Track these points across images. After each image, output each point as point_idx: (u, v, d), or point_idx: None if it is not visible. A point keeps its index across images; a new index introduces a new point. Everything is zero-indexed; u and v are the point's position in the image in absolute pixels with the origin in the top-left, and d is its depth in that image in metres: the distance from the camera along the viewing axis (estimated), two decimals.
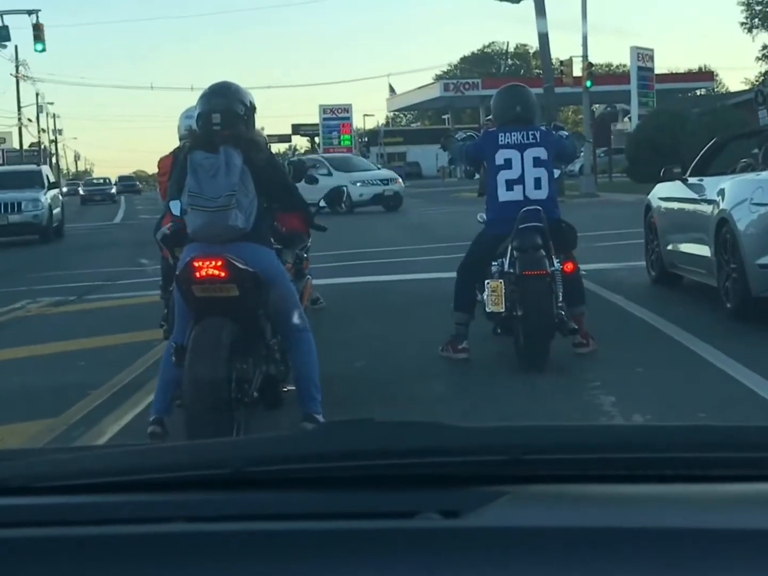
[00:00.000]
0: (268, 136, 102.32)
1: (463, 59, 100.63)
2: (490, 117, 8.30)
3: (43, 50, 31.12)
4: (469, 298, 7.11)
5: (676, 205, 10.35)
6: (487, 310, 6.75)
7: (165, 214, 6.43)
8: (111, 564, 1.28)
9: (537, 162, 6.92)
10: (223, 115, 5.10)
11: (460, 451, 1.53)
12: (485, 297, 6.75)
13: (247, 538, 1.31)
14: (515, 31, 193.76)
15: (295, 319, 5.18)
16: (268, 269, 5.01)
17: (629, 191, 32.19)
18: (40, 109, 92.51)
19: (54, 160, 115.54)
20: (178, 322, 5.10)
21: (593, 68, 31.52)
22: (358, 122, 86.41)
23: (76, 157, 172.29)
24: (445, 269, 10.11)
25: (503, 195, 6.92)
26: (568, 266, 6.87)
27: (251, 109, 5.31)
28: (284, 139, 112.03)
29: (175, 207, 5.34)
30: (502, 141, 6.96)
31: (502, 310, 6.63)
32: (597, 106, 72.37)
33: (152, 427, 4.99)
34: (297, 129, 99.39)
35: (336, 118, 77.55)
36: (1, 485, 1.55)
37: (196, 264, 4.80)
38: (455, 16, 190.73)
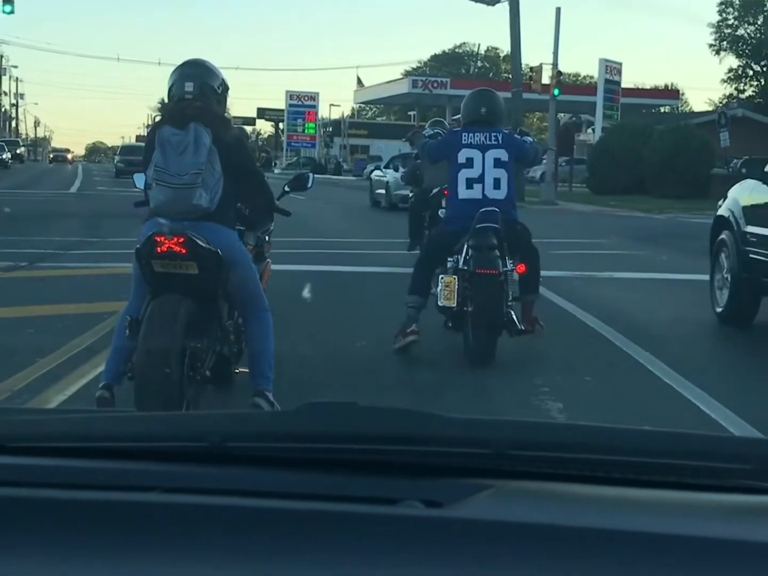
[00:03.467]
0: (233, 117, 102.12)
1: (434, 57, 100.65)
2: (456, 117, 8.60)
3: (12, 12, 30.67)
4: (424, 285, 7.32)
5: None
6: (439, 303, 6.95)
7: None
8: (85, 529, 1.28)
9: (497, 163, 7.13)
10: (196, 85, 5.05)
11: (444, 441, 1.51)
12: (438, 291, 6.98)
13: (223, 512, 1.30)
14: (487, 34, 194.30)
15: (255, 300, 5.22)
16: (229, 249, 4.99)
17: (588, 202, 32.59)
18: (3, 71, 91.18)
19: (14, 124, 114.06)
20: (134, 296, 5.11)
21: (562, 77, 31.69)
22: (324, 111, 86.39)
23: (36, 123, 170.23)
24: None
25: (463, 193, 7.14)
26: (521, 268, 7.15)
27: (225, 87, 5.27)
28: (248, 122, 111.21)
29: (139, 180, 5.42)
30: (465, 140, 7.18)
31: (454, 304, 6.85)
32: (562, 115, 72.93)
33: (100, 391, 4.91)
34: (262, 113, 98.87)
35: (302, 105, 77.28)
36: None
37: (158, 239, 4.79)
38: (428, 14, 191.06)
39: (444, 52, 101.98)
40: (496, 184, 7.10)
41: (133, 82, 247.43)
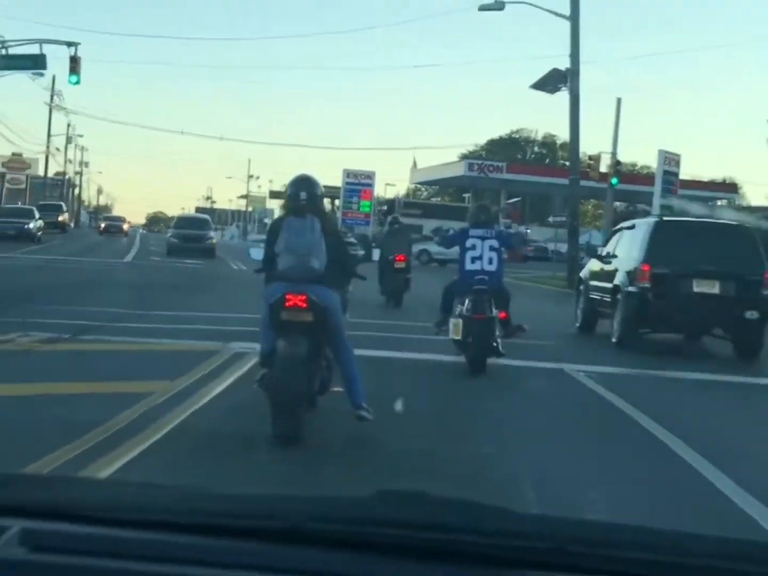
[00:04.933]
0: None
1: (490, 142, 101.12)
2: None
3: (77, 83, 31.23)
4: (446, 308, 11.38)
5: None
6: (451, 336, 10.74)
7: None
8: None
9: (491, 248, 11.06)
10: (306, 193, 7.23)
11: (508, 534, 1.59)
12: (450, 328, 10.72)
13: None
14: (545, 120, 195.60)
15: (343, 339, 7.24)
16: (332, 305, 7.06)
17: None
18: (69, 140, 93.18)
19: (77, 191, 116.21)
20: (264, 334, 7.19)
21: (620, 166, 31.43)
22: (379, 190, 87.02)
23: (99, 191, 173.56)
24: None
25: (468, 265, 11.10)
26: (502, 315, 10.97)
27: (323, 193, 7.62)
28: None
29: (257, 254, 7.91)
30: (471, 234, 11.22)
31: (460, 337, 10.62)
32: (618, 203, 72.77)
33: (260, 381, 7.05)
34: None
35: (358, 183, 77.87)
36: (52, 510, 1.61)
37: (288, 296, 6.86)
38: (487, 98, 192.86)
39: (501, 137, 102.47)
40: (490, 261, 11.03)
41: (195, 155, 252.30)
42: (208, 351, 10.77)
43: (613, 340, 14.62)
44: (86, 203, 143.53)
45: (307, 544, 1.56)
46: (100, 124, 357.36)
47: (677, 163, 52.30)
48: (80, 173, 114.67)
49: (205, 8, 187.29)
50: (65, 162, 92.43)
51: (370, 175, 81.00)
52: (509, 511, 1.69)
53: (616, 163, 31.05)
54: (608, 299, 15.20)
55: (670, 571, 1.55)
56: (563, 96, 32.57)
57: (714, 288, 14.03)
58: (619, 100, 31.71)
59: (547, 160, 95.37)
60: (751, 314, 13.86)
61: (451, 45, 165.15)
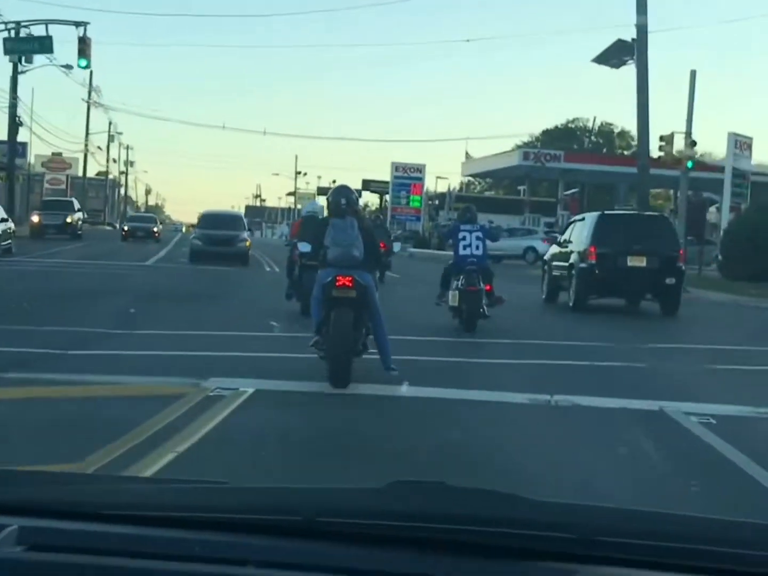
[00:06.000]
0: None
1: (545, 132, 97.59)
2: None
3: (87, 66, 28.62)
4: (445, 284, 14.86)
5: None
6: (450, 304, 14.38)
7: (294, 244, 15.29)
8: None
9: (477, 238, 14.74)
10: (346, 200, 9.55)
11: (531, 524, 1.56)
12: (449, 298, 14.39)
13: None
14: (601, 110, 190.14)
15: (379, 311, 9.40)
16: (370, 285, 9.35)
17: (722, 289, 28.42)
18: (111, 138, 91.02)
19: (123, 191, 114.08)
20: (316, 309, 9.34)
21: (696, 148, 27.92)
22: (430, 184, 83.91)
23: (148, 191, 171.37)
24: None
25: (461, 251, 14.69)
26: (488, 287, 14.52)
27: (357, 199, 10.19)
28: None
29: (304, 247, 11.14)
30: (462, 228, 14.97)
31: (456, 304, 14.23)
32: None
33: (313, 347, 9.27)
34: (368, 185, 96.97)
35: (408, 177, 74.83)
36: (72, 509, 1.62)
37: (338, 278, 9.03)
38: (540, 87, 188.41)
39: (557, 126, 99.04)
40: (477, 247, 14.65)
41: (239, 151, 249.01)
42: (171, 395, 7.70)
43: (570, 304, 19.48)
44: (135, 204, 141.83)
45: (320, 538, 1.54)
46: (139, 121, 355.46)
47: (749, 147, 48.51)
48: (125, 173, 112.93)
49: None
50: (107, 161, 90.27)
51: (420, 168, 77.86)
52: (531, 500, 1.64)
53: (691, 144, 27.47)
54: (566, 274, 20.11)
55: (699, 559, 1.52)
56: (625, 76, 29.16)
57: (643, 262, 18.94)
58: (693, 73, 28.17)
59: (604, 150, 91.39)
60: (670, 280, 18.84)
61: (506, 16, 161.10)
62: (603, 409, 8.19)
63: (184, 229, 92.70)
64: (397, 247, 17.02)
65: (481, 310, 14.14)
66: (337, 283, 8.94)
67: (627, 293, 19.73)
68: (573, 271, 19.41)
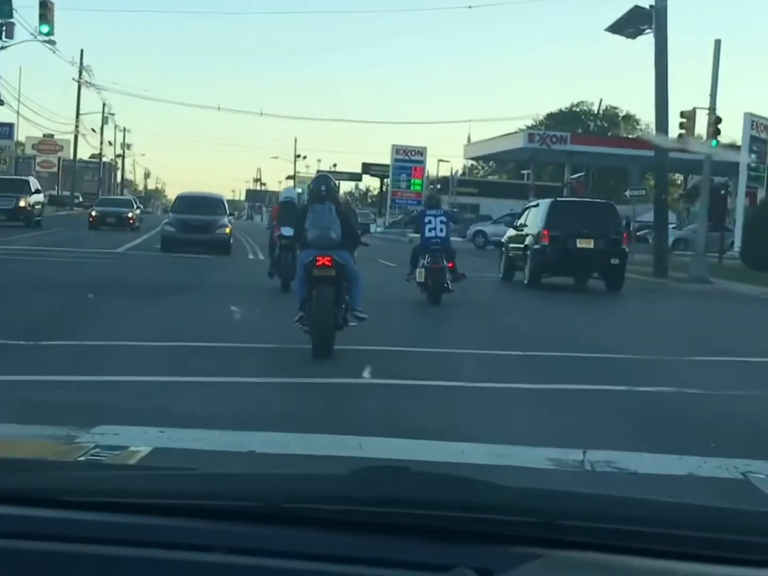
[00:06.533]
0: (339, 172, 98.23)
1: (549, 116, 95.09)
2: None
3: (49, 33, 26.22)
4: (414, 262, 16.86)
5: None
6: (418, 280, 16.36)
7: (273, 226, 17.45)
8: None
9: (441, 222, 16.82)
10: (326, 187, 10.31)
11: (495, 509, 1.58)
12: (417, 275, 16.38)
13: (281, 575, 1.43)
14: (605, 93, 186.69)
15: (357, 273, 10.34)
16: (348, 262, 10.13)
17: (747, 280, 25.93)
18: (105, 120, 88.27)
19: (120, 174, 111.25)
20: (299, 287, 10.17)
21: (720, 125, 25.34)
22: (431, 168, 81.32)
23: (146, 175, 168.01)
24: None
25: (427, 234, 16.77)
26: (450, 264, 16.54)
27: (336, 186, 11.12)
28: (354, 177, 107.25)
29: (287, 231, 13.57)
30: (428, 213, 17.13)
31: (423, 280, 16.21)
32: (692, 176, 66.19)
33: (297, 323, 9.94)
34: (368, 168, 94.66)
35: (409, 160, 72.30)
36: (33, 496, 1.62)
37: (318, 259, 9.77)
38: (544, 70, 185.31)
39: (561, 110, 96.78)
40: (441, 230, 16.73)
41: (236, 133, 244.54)
42: (27, 460, 5.27)
43: (525, 282, 21.45)
44: (134, 187, 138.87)
45: (285, 523, 1.55)
46: (133, 102, 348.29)
47: (766, 128, 46.00)
48: (122, 156, 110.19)
49: None
50: (101, 143, 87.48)
51: (421, 151, 75.27)
52: (495, 485, 1.67)
53: (715, 121, 24.93)
54: (521, 255, 21.98)
55: (664, 543, 1.53)
56: (635, 52, 26.64)
57: (590, 244, 20.84)
58: (717, 43, 25.64)
59: (609, 134, 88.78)
60: (615, 261, 20.80)
61: None
62: (663, 477, 5.65)
63: None
64: (373, 228, 17.96)
65: (446, 285, 16.17)
66: (317, 263, 9.80)
67: (576, 272, 21.80)
68: (528, 252, 21.47)
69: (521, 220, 23.32)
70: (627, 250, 21.64)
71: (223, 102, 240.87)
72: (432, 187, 71.53)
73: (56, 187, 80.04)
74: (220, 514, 1.54)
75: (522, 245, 21.92)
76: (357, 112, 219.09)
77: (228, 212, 30.22)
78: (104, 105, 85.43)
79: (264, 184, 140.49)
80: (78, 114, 71.55)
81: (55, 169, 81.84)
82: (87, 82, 70.97)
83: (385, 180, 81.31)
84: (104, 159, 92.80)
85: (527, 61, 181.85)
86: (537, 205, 22.87)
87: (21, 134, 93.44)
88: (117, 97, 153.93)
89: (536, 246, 20.99)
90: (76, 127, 71.79)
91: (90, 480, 1.74)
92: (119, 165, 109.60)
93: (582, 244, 20.74)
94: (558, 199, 24.24)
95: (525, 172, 73.88)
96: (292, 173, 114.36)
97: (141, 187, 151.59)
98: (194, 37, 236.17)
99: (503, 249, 24.05)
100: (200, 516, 1.54)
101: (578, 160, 56.38)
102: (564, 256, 20.62)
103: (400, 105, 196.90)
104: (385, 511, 1.52)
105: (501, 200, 66.17)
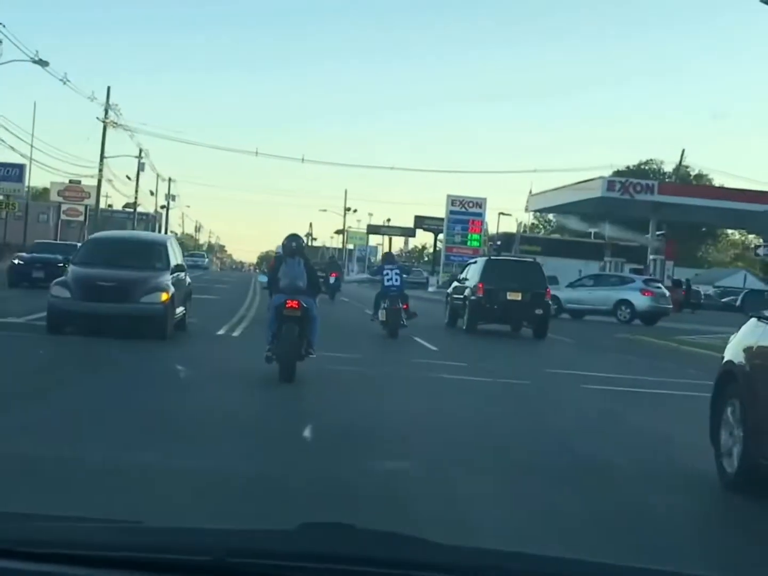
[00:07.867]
0: (390, 227, 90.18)
1: (617, 173, 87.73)
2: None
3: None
4: (377, 305, 22.58)
5: None
6: (380, 319, 22.23)
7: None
8: None
9: (396, 274, 22.55)
10: (296, 244, 13.48)
11: (432, 567, 1.70)
12: (380, 316, 22.23)
13: None
14: (675, 152, 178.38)
15: (316, 319, 13.18)
16: (312, 306, 13.04)
17: None
18: (141, 167, 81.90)
19: (163, 226, 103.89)
20: (270, 325, 12.96)
21: None
22: (490, 221, 73.80)
23: (197, 228, 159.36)
24: None
25: (386, 283, 22.42)
26: (406, 306, 22.18)
27: (304, 243, 14.31)
28: (407, 233, 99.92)
29: (262, 278, 15.19)
30: (386, 267, 23.21)
31: (385, 320, 22.01)
32: None
33: (268, 353, 12.92)
34: (420, 222, 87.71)
35: (465, 212, 65.01)
36: None
37: (288, 302, 12.75)
38: (612, 128, 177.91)
39: (628, 167, 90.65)
40: (397, 280, 22.34)
41: (275, 181, 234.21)
42: None
43: (464, 328, 25.66)
44: (194, 240, 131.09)
45: None
46: (161, 144, 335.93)
47: None
48: (166, 207, 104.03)
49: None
50: (136, 191, 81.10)
51: (479, 203, 67.22)
52: (428, 542, 1.79)
53: None
54: (461, 305, 26.43)
55: None
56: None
57: (519, 297, 25.17)
58: None
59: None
60: (539, 311, 25.17)
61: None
62: None
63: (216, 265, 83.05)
64: (428, 287, 16.08)
65: (401, 322, 21.88)
66: (287, 305, 12.80)
67: (507, 320, 25.89)
68: (466, 302, 25.68)
69: (463, 274, 28.02)
70: (549, 302, 26.02)
71: (261, 147, 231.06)
72: (490, 245, 64.00)
73: (84, 237, 73.58)
74: (166, 567, 1.62)
75: (462, 296, 26.37)
76: (409, 161, 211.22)
77: (176, 264, 18.75)
78: (140, 151, 79.18)
79: (315, 239, 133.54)
80: (102, 156, 65.09)
81: (81, 218, 75.33)
82: (113, 122, 64.63)
83: (439, 235, 73.90)
84: (142, 209, 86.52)
85: (597, 116, 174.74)
86: (475, 262, 27.94)
87: (45, 180, 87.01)
88: (145, 139, 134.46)
89: (473, 297, 25.43)
90: (100, 170, 65.28)
91: (34, 531, 1.75)
92: (163, 217, 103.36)
93: (511, 296, 25.09)
94: (492, 257, 30.79)
95: (592, 231, 66.21)
96: (341, 227, 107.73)
97: (194, 243, 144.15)
98: (227, 85, 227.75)
99: (448, 299, 28.51)
100: (146, 569, 1.61)
101: (666, 211, 48.19)
102: (496, 306, 25.06)
103: (458, 155, 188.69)
104: (329, 568, 1.63)
105: (566, 260, 58.40)
